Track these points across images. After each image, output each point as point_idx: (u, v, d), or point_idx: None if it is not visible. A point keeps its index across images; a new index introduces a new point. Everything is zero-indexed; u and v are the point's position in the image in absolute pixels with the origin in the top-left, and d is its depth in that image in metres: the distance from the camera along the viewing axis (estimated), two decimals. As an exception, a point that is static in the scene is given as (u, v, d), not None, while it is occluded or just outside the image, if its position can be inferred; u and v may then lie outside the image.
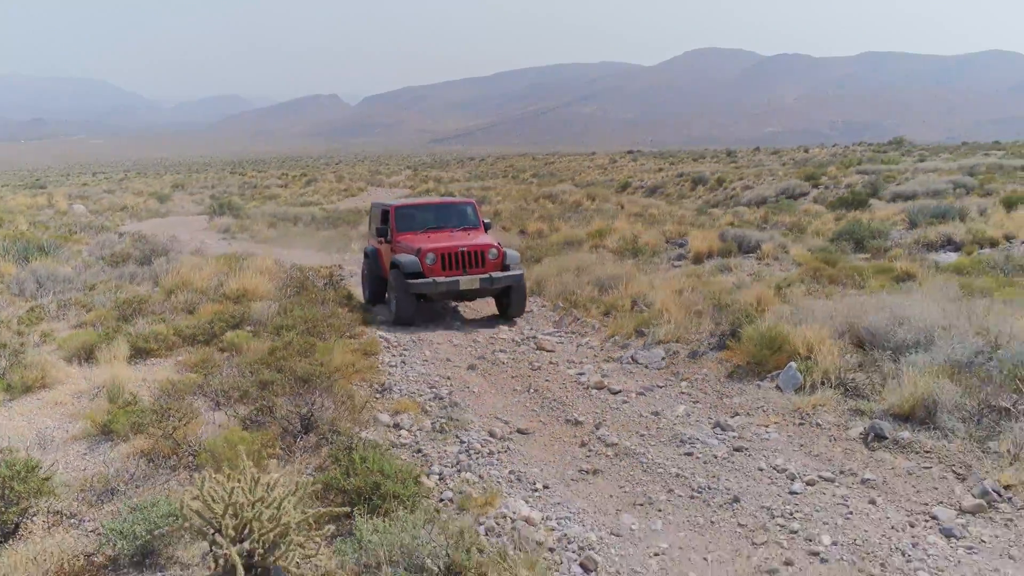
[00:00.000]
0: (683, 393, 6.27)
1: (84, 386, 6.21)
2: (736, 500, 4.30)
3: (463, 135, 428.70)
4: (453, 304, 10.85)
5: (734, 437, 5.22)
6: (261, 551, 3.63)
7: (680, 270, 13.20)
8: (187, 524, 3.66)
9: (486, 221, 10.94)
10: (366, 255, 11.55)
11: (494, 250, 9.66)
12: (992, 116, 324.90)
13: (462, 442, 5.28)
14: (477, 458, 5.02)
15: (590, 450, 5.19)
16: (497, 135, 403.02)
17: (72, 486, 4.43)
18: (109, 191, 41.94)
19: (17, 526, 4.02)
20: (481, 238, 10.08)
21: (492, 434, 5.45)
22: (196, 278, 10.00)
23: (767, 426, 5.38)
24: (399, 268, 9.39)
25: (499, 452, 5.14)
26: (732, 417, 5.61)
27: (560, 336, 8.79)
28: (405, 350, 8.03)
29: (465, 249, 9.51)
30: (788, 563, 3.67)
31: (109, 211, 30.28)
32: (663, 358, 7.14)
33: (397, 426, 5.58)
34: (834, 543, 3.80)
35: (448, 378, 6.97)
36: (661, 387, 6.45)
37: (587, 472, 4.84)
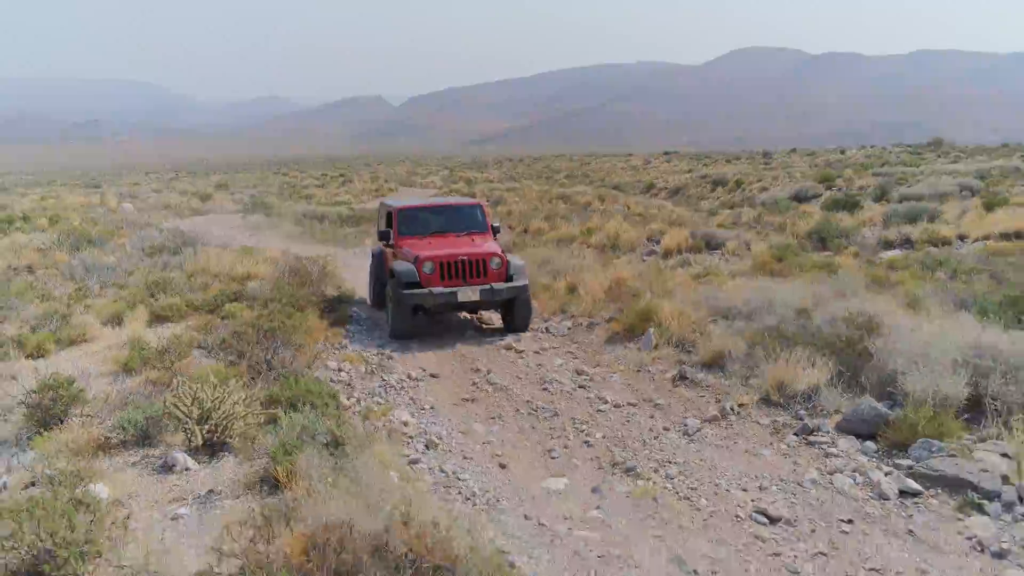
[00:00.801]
0: (568, 352, 8.04)
1: (113, 341, 8.19)
2: (556, 415, 6.07)
3: (503, 136, 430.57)
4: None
5: (585, 380, 6.99)
6: (217, 431, 5.53)
7: (645, 264, 14.86)
8: (167, 413, 5.57)
9: (495, 224, 10.50)
10: (373, 256, 11.24)
11: (497, 259, 9.13)
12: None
13: (384, 380, 7.14)
14: (391, 391, 6.88)
15: (476, 387, 6.99)
16: (537, 136, 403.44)
17: (99, 400, 6.37)
18: (157, 191, 44.55)
19: (61, 420, 5.96)
20: (485, 245, 9.56)
21: (409, 376, 7.30)
22: (213, 265, 12.02)
23: (614, 373, 7.12)
24: (396, 277, 9.00)
25: (409, 388, 6.99)
26: (593, 368, 7.37)
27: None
28: (369, 319, 9.95)
29: (465, 258, 9.01)
30: (566, 447, 5.43)
31: (154, 209, 32.75)
32: (569, 328, 8.92)
33: (339, 370, 7.46)
34: (603, 436, 5.57)
35: (392, 340, 8.87)
36: (555, 348, 8.24)
37: (467, 400, 6.65)
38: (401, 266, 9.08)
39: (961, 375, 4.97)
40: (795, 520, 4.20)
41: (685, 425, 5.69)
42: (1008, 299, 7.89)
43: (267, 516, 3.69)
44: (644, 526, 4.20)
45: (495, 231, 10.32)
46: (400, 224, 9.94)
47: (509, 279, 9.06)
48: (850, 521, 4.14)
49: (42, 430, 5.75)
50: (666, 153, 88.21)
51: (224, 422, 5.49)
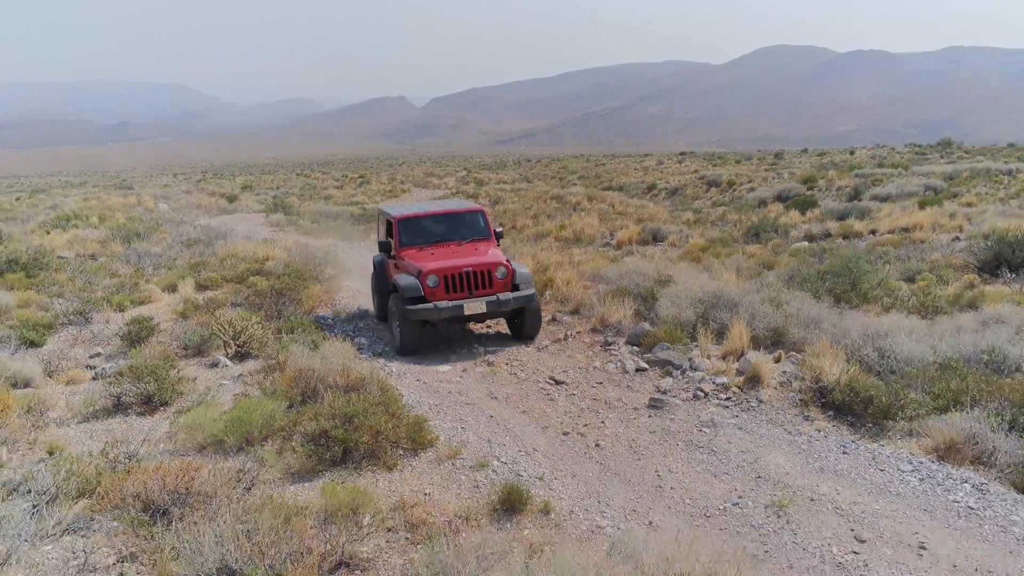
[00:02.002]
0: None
1: (170, 301, 11.50)
2: (463, 336, 9.26)
3: (527, 136, 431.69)
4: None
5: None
6: (243, 345, 8.79)
7: (594, 252, 17.97)
8: (213, 335, 8.85)
9: (498, 230, 10.36)
10: (375, 266, 10.95)
11: (502, 269, 9.04)
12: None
13: (359, 324, 10.36)
14: (363, 329, 10.09)
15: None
16: (561, 136, 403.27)
17: (167, 332, 9.67)
18: (187, 192, 48.31)
19: (143, 341, 9.25)
20: (489, 254, 9.42)
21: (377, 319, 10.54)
22: (240, 251, 15.36)
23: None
24: (399, 292, 8.93)
25: (376, 328, 10.21)
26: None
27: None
28: (357, 290, 13.24)
29: (470, 269, 8.91)
30: (458, 351, 8.64)
31: (187, 209, 36.36)
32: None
33: (327, 317, 10.71)
34: (483, 348, 8.73)
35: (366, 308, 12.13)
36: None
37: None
38: (404, 280, 8.95)
39: (694, 307, 8.09)
40: (571, 383, 7.37)
41: (539, 344, 8.86)
42: (812, 274, 11.01)
43: (270, 367, 6.96)
44: (482, 384, 7.41)
45: (498, 237, 10.24)
46: (401, 234, 9.79)
47: (515, 288, 9.05)
48: (601, 383, 7.30)
49: (133, 347, 9.06)
50: (681, 154, 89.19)
51: (248, 340, 8.76)
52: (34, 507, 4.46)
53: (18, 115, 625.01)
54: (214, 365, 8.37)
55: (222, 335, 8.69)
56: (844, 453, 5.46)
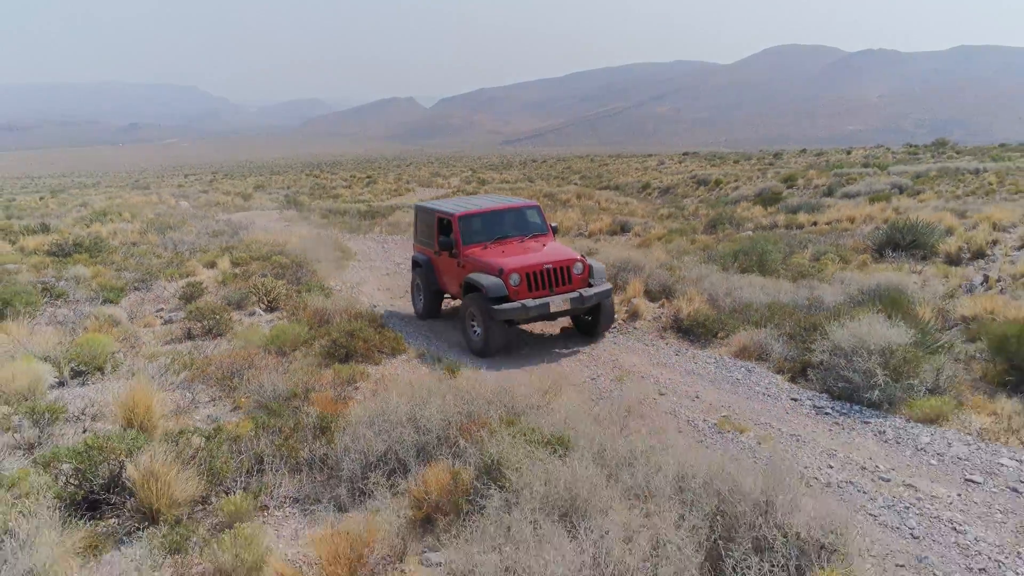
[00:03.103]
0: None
1: (210, 274, 14.36)
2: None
3: (535, 136, 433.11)
4: None
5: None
6: (273, 301, 11.65)
7: (566, 240, 20.73)
8: (250, 293, 11.71)
9: (553, 225, 10.41)
10: (416, 264, 11.05)
11: (579, 264, 9.06)
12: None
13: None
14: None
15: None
16: (569, 136, 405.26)
17: (212, 293, 12.53)
18: (203, 191, 51.24)
19: (196, 298, 12.10)
20: (561, 250, 9.46)
21: (380, 290, 13.38)
22: (261, 239, 18.24)
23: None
24: (481, 291, 8.79)
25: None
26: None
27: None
28: (363, 268, 16.10)
29: (551, 266, 8.89)
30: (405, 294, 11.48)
31: (206, 206, 39.30)
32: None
33: (335, 284, 13.57)
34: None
35: (389, 290, 14.95)
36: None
37: (386, 290, 12.71)
38: (487, 279, 8.81)
39: (608, 270, 10.91)
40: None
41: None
42: (726, 252, 13.83)
43: (295, 308, 9.84)
44: (447, 324, 10.27)
45: (554, 232, 10.27)
46: (463, 232, 9.69)
47: (589, 284, 9.07)
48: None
49: (188, 303, 11.91)
50: (684, 154, 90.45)
51: (276, 297, 11.61)
52: (152, 377, 7.28)
53: (31, 117, 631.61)
54: (251, 315, 11.21)
55: (256, 293, 11.55)
56: (676, 355, 8.28)
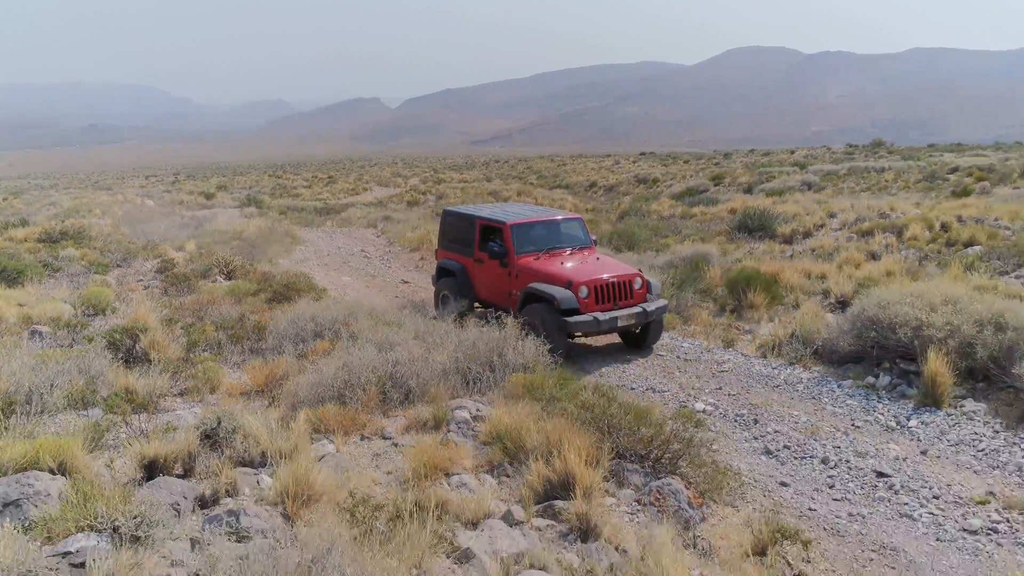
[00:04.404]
0: (390, 254, 17.23)
1: (179, 254, 17.33)
2: (368, 267, 15.25)
3: (503, 136, 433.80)
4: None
5: (390, 255, 16.17)
6: (230, 270, 14.72)
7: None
8: (213, 266, 14.77)
9: (593, 237, 10.53)
10: (445, 272, 11.15)
11: (639, 280, 9.26)
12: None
13: (303, 264, 16.32)
14: (307, 268, 16.03)
15: (349, 267, 16.19)
16: (537, 136, 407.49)
17: (183, 267, 15.55)
18: (167, 191, 53.48)
19: (169, 271, 15.11)
20: (620, 265, 9.73)
21: (318, 266, 16.48)
22: (223, 228, 21.23)
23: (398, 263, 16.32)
24: (551, 303, 8.81)
25: (317, 267, 16.16)
26: (391, 252, 16.57)
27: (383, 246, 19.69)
28: (308, 251, 19.13)
29: (615, 280, 9.04)
30: (353, 269, 14.63)
31: (171, 205, 41.81)
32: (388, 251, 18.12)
33: (281, 262, 16.64)
34: (354, 267, 14.75)
35: (326, 264, 18.01)
36: (394, 255, 17.45)
37: (345, 275, 15.83)
38: (558, 292, 8.82)
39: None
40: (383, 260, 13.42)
41: (399, 281, 14.89)
42: (609, 233, 17.23)
43: (248, 273, 12.98)
44: (364, 288, 13.42)
45: (594, 243, 10.44)
46: (516, 242, 9.75)
47: (646, 299, 9.23)
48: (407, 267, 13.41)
49: (162, 274, 14.88)
50: (641, 154, 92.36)
51: (233, 268, 14.65)
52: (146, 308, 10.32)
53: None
54: (214, 281, 14.25)
55: (217, 265, 14.60)
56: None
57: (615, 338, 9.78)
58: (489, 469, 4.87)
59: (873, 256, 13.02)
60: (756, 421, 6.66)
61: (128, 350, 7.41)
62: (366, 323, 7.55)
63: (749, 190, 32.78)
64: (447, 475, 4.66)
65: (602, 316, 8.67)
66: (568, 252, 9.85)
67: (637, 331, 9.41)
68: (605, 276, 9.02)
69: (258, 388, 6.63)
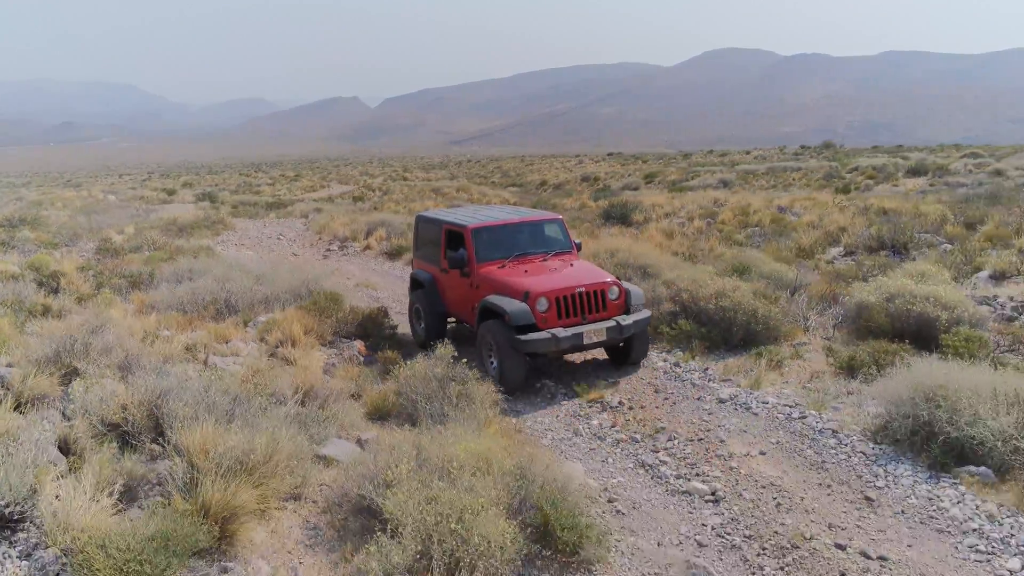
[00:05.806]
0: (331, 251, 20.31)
1: (121, 237, 20.35)
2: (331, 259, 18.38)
3: (482, 136, 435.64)
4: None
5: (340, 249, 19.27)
6: (158, 249, 17.84)
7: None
8: (143, 243, 17.85)
9: (577, 241, 9.28)
10: (417, 283, 9.86)
11: (615, 289, 8.00)
12: (1014, 115, 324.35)
13: (223, 244, 19.40)
14: (223, 246, 19.12)
15: (326, 254, 19.29)
16: (516, 136, 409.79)
17: (120, 245, 18.62)
18: (133, 188, 55.63)
19: (108, 250, 18.16)
20: (594, 272, 8.36)
21: (235, 245, 19.56)
22: (166, 216, 24.26)
23: (354, 257, 19.45)
24: (502, 318, 7.62)
25: (233, 246, 19.24)
26: (343, 247, 19.69)
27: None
28: (234, 235, 22.19)
29: (583, 290, 7.77)
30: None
31: (132, 200, 44.38)
32: (339, 248, 21.19)
33: (205, 243, 19.73)
34: (298, 259, 17.90)
35: (243, 244, 21.04)
36: (348, 256, 20.56)
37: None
38: (510, 304, 7.63)
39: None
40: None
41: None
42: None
43: (167, 247, 16.11)
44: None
45: (578, 248, 9.18)
46: (478, 247, 8.51)
47: (627, 310, 8.02)
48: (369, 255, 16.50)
49: (101, 251, 17.91)
50: (608, 154, 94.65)
51: (157, 244, 17.69)
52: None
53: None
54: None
55: (146, 243, 17.65)
56: (375, 263, 14.77)
57: (600, 352, 8.73)
58: (256, 340, 8.12)
59: (670, 236, 16.37)
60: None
61: (53, 289, 10.51)
62: (221, 269, 10.68)
63: (674, 186, 35.97)
64: (227, 341, 7.89)
65: (562, 333, 7.47)
66: (541, 259, 8.61)
67: (620, 344, 8.17)
68: (570, 285, 7.78)
69: (137, 310, 9.76)
